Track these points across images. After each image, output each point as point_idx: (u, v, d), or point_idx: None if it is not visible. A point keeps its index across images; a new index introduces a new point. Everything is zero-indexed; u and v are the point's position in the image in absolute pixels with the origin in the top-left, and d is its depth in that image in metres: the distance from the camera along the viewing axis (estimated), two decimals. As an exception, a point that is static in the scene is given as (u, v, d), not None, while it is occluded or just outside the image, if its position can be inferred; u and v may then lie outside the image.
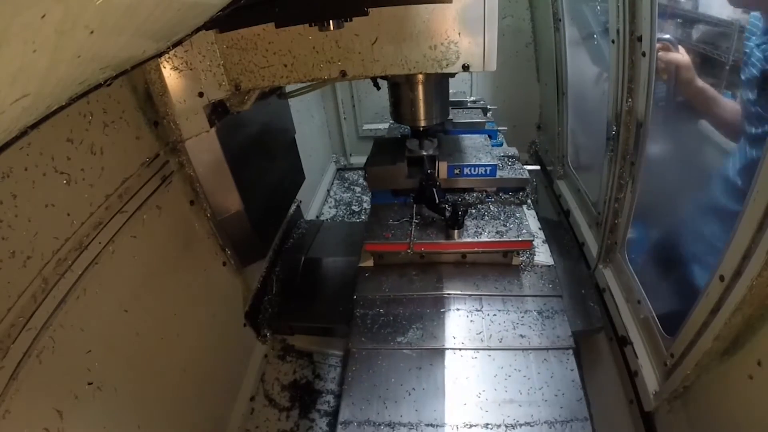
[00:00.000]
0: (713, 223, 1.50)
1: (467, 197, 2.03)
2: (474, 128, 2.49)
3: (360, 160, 3.99)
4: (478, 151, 2.08)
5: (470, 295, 1.78)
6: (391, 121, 2.67)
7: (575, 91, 2.59)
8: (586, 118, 2.58)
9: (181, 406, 1.54)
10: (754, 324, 1.02)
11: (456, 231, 1.80)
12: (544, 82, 3.22)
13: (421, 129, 1.88)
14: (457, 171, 1.98)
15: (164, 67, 1.36)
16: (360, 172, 4.03)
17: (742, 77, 1.39)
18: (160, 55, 0.81)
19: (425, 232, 1.86)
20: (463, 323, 1.67)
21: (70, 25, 0.44)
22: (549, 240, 2.28)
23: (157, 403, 1.41)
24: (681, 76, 1.55)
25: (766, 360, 0.98)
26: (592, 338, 2.08)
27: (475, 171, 1.98)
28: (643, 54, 1.49)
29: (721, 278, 1.10)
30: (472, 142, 2.19)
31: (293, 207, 2.57)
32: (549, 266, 1.89)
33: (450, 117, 2.33)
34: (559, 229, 2.51)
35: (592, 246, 2.16)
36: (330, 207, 3.72)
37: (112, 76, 0.73)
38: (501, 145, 2.49)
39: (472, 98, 2.90)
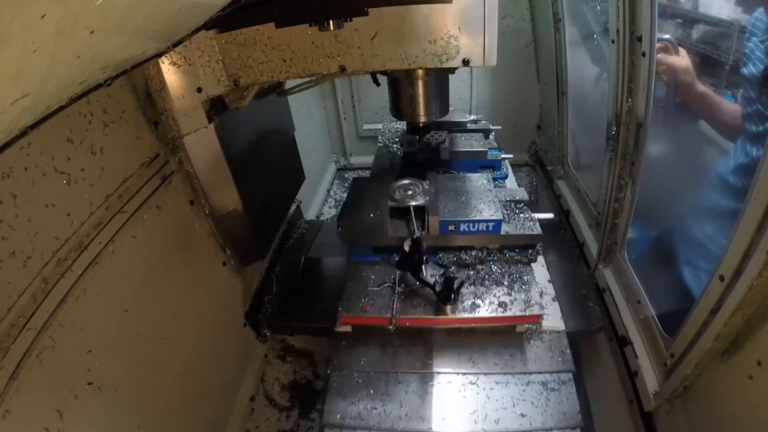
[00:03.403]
0: (713, 223, 1.50)
1: (464, 256, 1.70)
2: (474, 158, 2.19)
3: (360, 160, 4.00)
4: (479, 199, 1.71)
5: (464, 373, 1.52)
6: (387, 121, 2.68)
7: (575, 91, 2.59)
8: (586, 118, 2.58)
9: (181, 406, 1.54)
10: (754, 324, 1.02)
11: (449, 307, 1.52)
12: (544, 82, 3.22)
13: (421, 125, 1.74)
14: (452, 227, 1.62)
15: (163, 63, 1.35)
16: (360, 172, 4.03)
17: (745, 72, 1.39)
18: (160, 55, 0.81)
19: (411, 303, 1.56)
20: (453, 399, 1.45)
21: (70, 25, 0.44)
22: (549, 240, 2.26)
23: (157, 403, 1.41)
24: (680, 80, 1.55)
25: (766, 360, 0.98)
26: (592, 338, 2.08)
27: (474, 227, 1.63)
28: (643, 54, 1.49)
29: (721, 278, 1.10)
30: (471, 184, 1.84)
31: (293, 207, 2.57)
32: (559, 332, 1.61)
33: (446, 144, 2.15)
34: (559, 229, 2.51)
35: (592, 246, 2.16)
36: (330, 207, 3.72)
37: (112, 76, 0.73)
38: (506, 177, 2.22)
39: (472, 117, 2.65)
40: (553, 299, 1.73)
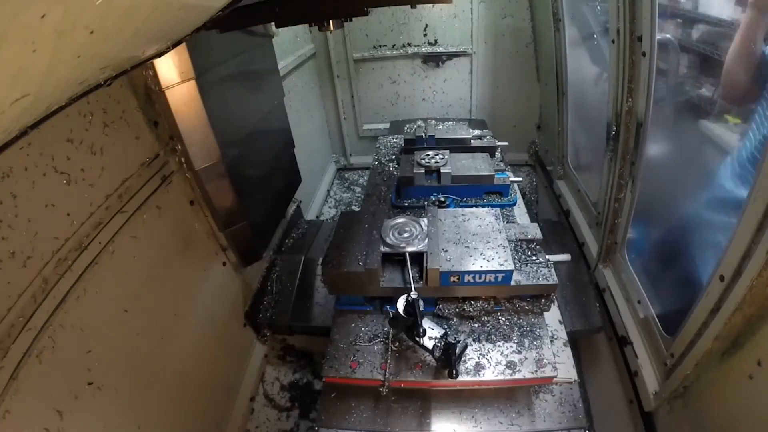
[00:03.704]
0: (713, 223, 1.50)
1: (468, 308, 1.48)
2: (479, 182, 1.92)
3: (360, 160, 4.00)
4: (487, 243, 1.47)
5: None
6: (385, 133, 2.54)
7: (575, 91, 2.59)
8: (586, 118, 2.58)
9: (181, 406, 1.54)
10: (754, 324, 1.02)
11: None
12: (544, 82, 3.22)
13: None
14: (454, 278, 1.40)
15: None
16: (360, 172, 4.03)
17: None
18: (160, 55, 0.81)
19: (407, 363, 1.38)
20: None
21: (70, 25, 0.44)
22: (549, 240, 2.24)
23: (157, 403, 1.41)
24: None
25: (766, 360, 0.98)
26: (592, 338, 2.08)
27: (481, 278, 1.39)
28: (643, 54, 1.49)
29: (721, 278, 1.10)
30: (477, 224, 1.58)
31: (293, 207, 2.58)
32: (571, 383, 1.44)
33: (447, 167, 1.91)
34: (559, 229, 2.51)
35: (592, 246, 2.16)
36: (330, 207, 3.72)
37: (112, 76, 0.73)
38: (515, 204, 1.96)
39: (476, 132, 2.37)
40: (564, 344, 1.54)
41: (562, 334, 1.57)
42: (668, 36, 1.56)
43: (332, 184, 3.95)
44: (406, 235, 1.49)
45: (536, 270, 1.45)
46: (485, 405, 1.40)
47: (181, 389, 1.54)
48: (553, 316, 1.59)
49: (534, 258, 1.48)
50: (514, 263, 1.43)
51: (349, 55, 3.49)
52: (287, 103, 2.36)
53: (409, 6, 1.29)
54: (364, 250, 1.48)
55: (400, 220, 1.56)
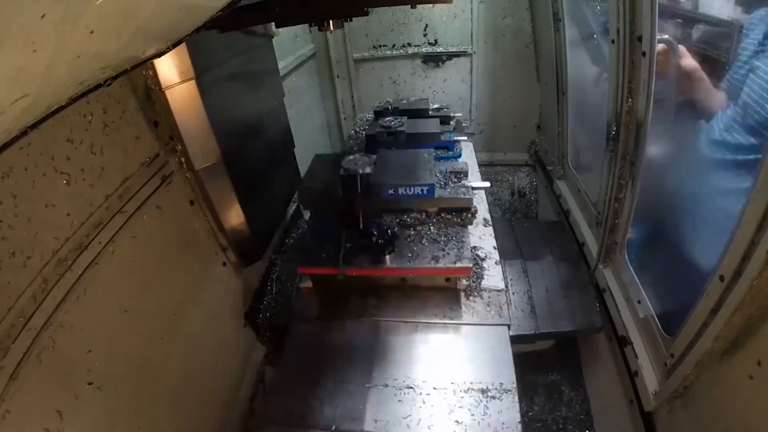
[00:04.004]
0: (712, 221, 1.50)
1: (406, 218, 1.90)
2: (429, 140, 2.37)
3: (360, 160, 4.00)
4: (419, 168, 1.95)
5: (406, 322, 1.69)
6: (351, 131, 2.76)
7: (575, 91, 2.59)
8: (586, 118, 2.58)
9: (181, 406, 1.54)
10: (754, 324, 1.02)
11: (388, 256, 1.70)
12: (544, 82, 3.22)
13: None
14: (391, 191, 1.86)
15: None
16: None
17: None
18: (160, 55, 0.81)
19: (359, 256, 1.74)
20: (390, 404, 1.46)
21: (70, 25, 0.44)
22: (549, 240, 2.27)
23: (157, 403, 1.41)
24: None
25: (766, 360, 0.98)
26: (592, 338, 2.08)
27: (410, 191, 1.86)
28: (643, 54, 1.49)
29: (721, 278, 1.10)
30: (414, 158, 2.06)
31: (293, 207, 2.57)
32: (499, 291, 1.77)
33: (404, 128, 2.34)
34: (559, 229, 2.51)
35: (592, 246, 2.16)
36: (330, 207, 3.72)
37: (112, 76, 0.73)
38: (459, 156, 2.38)
39: (436, 106, 2.83)
40: (496, 263, 1.88)
41: (495, 255, 1.92)
42: (667, 36, 1.56)
43: (332, 184, 3.95)
44: (359, 164, 1.88)
45: (457, 189, 1.90)
46: (424, 304, 1.75)
47: (181, 389, 1.54)
48: (488, 242, 1.98)
49: (458, 182, 1.94)
50: (439, 184, 1.88)
51: (349, 55, 3.49)
52: (287, 103, 2.36)
53: (409, 6, 1.29)
54: (329, 176, 1.94)
55: (356, 155, 1.95)
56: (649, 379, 1.52)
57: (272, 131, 2.22)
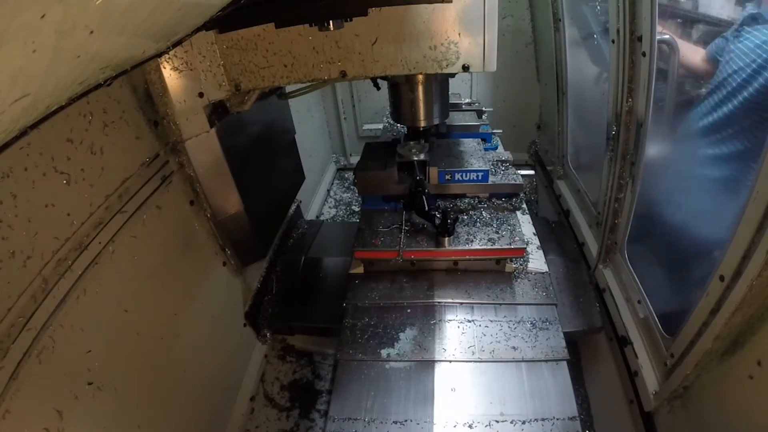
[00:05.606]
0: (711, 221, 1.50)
1: (459, 203, 1.98)
2: (468, 131, 2.45)
3: (360, 160, 4.01)
4: (471, 156, 2.03)
5: (461, 303, 1.74)
6: (386, 122, 2.71)
7: (575, 91, 2.59)
8: (586, 118, 2.58)
9: (181, 406, 1.54)
10: (754, 324, 1.02)
11: (446, 239, 1.75)
12: (544, 82, 3.22)
13: (421, 129, 1.86)
14: (448, 177, 1.92)
15: (164, 68, 1.36)
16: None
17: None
18: (160, 55, 0.81)
19: (415, 239, 1.81)
20: (454, 335, 1.63)
21: (70, 25, 0.44)
22: (549, 240, 2.28)
23: (157, 403, 1.41)
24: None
25: (766, 360, 0.98)
26: (592, 338, 2.08)
27: (466, 177, 1.93)
28: (643, 54, 1.49)
29: (721, 278, 1.10)
30: (465, 146, 2.14)
31: (293, 207, 2.57)
32: (543, 273, 1.85)
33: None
34: (559, 229, 2.51)
35: (592, 246, 2.16)
36: (330, 207, 3.72)
37: (112, 76, 0.73)
38: (496, 148, 2.45)
39: (467, 100, 2.87)
40: (537, 248, 1.97)
41: (536, 241, 2.01)
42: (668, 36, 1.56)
43: (332, 183, 3.95)
44: (414, 151, 1.92)
45: (506, 175, 1.97)
46: (476, 284, 1.82)
47: (181, 389, 1.54)
48: (527, 229, 2.05)
49: (505, 169, 2.02)
50: (490, 170, 1.95)
51: (349, 55, 3.49)
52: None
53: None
54: (384, 161, 1.96)
55: (409, 143, 1.98)
56: (649, 379, 1.52)
57: (274, 130, 2.22)
